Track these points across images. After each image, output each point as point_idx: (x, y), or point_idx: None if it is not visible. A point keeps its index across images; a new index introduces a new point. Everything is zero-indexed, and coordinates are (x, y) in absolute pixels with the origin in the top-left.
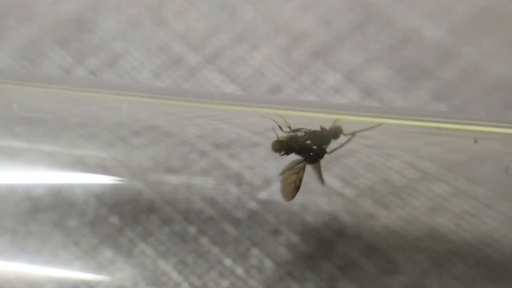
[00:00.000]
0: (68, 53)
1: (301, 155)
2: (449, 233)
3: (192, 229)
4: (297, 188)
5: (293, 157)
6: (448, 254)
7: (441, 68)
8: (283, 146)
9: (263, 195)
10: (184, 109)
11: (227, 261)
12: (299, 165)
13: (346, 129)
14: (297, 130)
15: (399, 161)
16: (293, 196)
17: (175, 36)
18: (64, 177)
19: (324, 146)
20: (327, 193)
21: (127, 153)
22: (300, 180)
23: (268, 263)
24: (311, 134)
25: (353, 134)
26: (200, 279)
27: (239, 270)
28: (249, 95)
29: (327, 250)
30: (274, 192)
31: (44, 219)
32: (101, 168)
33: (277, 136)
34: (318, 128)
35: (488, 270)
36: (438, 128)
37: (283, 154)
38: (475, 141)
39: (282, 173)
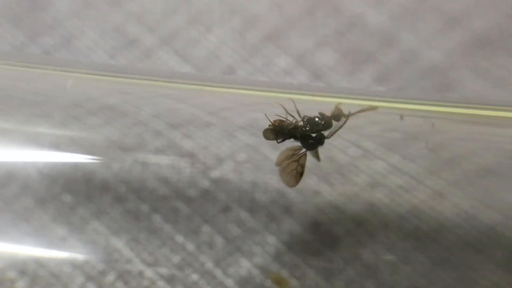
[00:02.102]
0: (20, 31)
1: (301, 143)
2: (384, 207)
3: (145, 207)
4: (300, 174)
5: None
6: (383, 226)
7: (382, 53)
8: (276, 133)
9: (215, 174)
10: (140, 88)
11: (179, 238)
12: (299, 153)
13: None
14: (304, 116)
15: (343, 139)
16: (297, 181)
17: (131, 16)
18: (16, 155)
19: (323, 132)
20: (276, 172)
21: (82, 132)
22: (302, 167)
23: (218, 239)
24: (310, 121)
25: (348, 116)
26: (152, 255)
27: (190, 246)
28: (205, 75)
29: (274, 226)
30: (226, 171)
31: None
32: (54, 147)
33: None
34: (317, 114)
35: (416, 240)
36: (372, 107)
37: (280, 141)
38: (401, 117)
39: (279, 163)
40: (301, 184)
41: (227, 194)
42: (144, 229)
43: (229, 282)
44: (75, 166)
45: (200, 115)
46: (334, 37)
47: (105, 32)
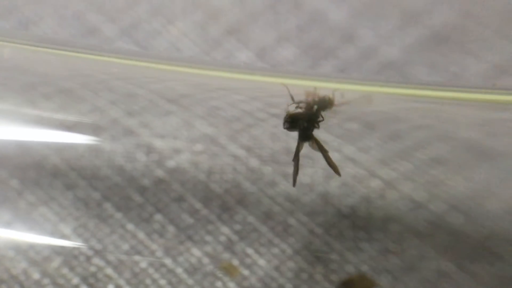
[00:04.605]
0: None
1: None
2: (336, 197)
3: (96, 195)
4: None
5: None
6: (333, 216)
7: (342, 49)
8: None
9: (171, 163)
10: (101, 68)
11: (130, 226)
12: (297, 147)
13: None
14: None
15: None
16: (294, 180)
17: (91, 5)
18: None
19: (314, 120)
20: (232, 162)
21: (35, 117)
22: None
23: (170, 228)
24: (321, 102)
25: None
26: (100, 242)
27: (141, 235)
28: (168, 55)
29: (227, 216)
30: (182, 160)
31: None
32: (4, 130)
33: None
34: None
35: (364, 230)
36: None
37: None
38: (342, 95)
39: (293, 159)
40: (256, 174)
41: (181, 184)
42: (94, 217)
43: (179, 270)
44: (26, 151)
45: (159, 103)
46: (295, 32)
47: (64, 19)
